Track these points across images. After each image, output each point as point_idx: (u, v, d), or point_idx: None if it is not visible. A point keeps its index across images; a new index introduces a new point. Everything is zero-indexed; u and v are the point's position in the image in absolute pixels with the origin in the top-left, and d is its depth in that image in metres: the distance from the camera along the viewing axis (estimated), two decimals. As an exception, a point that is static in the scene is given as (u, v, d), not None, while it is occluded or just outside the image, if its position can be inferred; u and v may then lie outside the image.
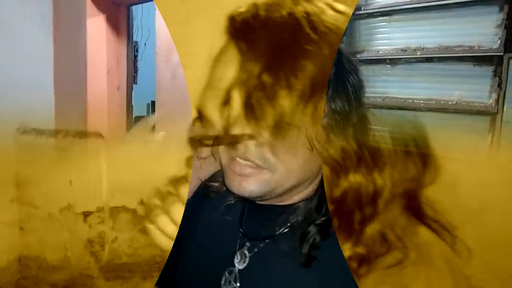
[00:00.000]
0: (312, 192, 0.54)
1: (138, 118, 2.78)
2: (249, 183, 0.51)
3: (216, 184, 0.62)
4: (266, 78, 0.48)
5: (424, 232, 0.51)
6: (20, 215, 2.29)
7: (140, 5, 2.49)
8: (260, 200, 0.56)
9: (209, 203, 0.65)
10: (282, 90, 0.48)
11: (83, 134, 2.19)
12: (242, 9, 0.52)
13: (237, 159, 0.51)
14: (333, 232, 0.51)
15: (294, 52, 0.50)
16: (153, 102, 3.64)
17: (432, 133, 1.41)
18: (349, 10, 0.54)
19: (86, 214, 2.20)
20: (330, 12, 0.52)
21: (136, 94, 2.58)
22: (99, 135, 2.20)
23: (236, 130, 0.50)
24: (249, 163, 0.50)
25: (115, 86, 2.42)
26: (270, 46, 0.50)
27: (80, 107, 2.26)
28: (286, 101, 0.48)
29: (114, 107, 2.42)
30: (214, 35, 0.55)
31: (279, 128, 0.49)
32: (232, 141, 0.50)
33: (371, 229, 0.50)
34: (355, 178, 0.50)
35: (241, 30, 0.52)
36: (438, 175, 0.53)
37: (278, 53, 0.50)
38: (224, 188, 0.60)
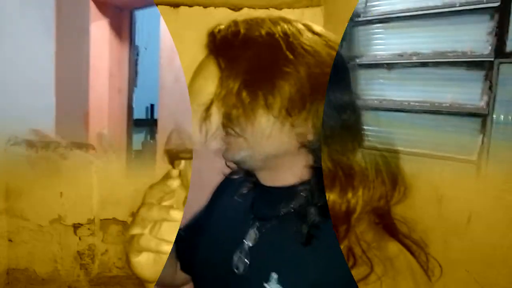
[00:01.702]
0: (307, 174, 0.58)
1: (138, 121, 2.82)
2: (231, 148, 0.57)
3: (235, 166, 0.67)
4: (244, 96, 0.52)
5: (392, 248, 0.53)
6: (9, 227, 2.30)
7: (142, 10, 2.54)
8: (251, 170, 0.62)
9: (228, 188, 0.72)
10: (260, 109, 0.53)
11: (74, 146, 2.22)
12: (222, 26, 0.56)
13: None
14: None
15: (272, 72, 0.52)
16: (152, 106, 3.67)
17: (428, 133, 1.47)
18: (326, 33, 0.56)
19: (76, 226, 2.22)
20: (308, 34, 0.55)
21: (136, 97, 2.61)
22: (91, 147, 2.23)
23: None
24: (229, 131, 0.56)
25: (117, 89, 2.46)
26: (249, 65, 0.52)
27: (81, 108, 2.30)
28: (263, 119, 0.53)
29: (115, 109, 2.45)
30: (201, 49, 0.58)
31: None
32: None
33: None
34: (329, 197, 0.53)
35: (221, 47, 0.55)
36: (407, 194, 0.55)
37: (257, 72, 0.52)
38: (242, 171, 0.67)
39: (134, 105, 2.59)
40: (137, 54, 2.73)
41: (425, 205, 1.26)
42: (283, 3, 1.72)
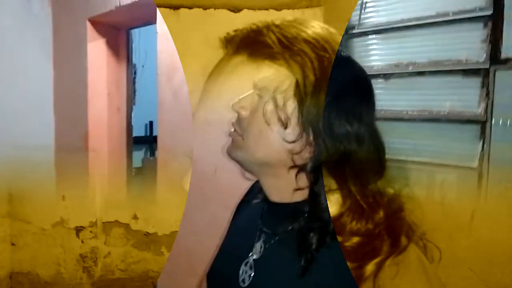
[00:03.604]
0: (307, 195, 0.58)
1: (137, 138, 2.83)
2: (232, 147, 0.61)
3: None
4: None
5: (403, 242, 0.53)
6: (11, 231, 2.29)
7: (138, 29, 2.56)
8: (252, 174, 0.64)
9: (249, 196, 0.75)
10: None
11: (76, 149, 2.22)
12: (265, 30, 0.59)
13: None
14: (332, 238, 0.55)
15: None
16: (151, 123, 3.68)
17: (427, 142, 1.47)
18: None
19: (78, 229, 2.21)
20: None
21: (135, 115, 2.62)
22: (93, 150, 2.23)
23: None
24: (233, 130, 0.60)
25: (115, 107, 2.47)
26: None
27: (80, 128, 2.30)
28: (259, 122, 0.57)
29: (114, 127, 2.46)
30: (207, 50, 0.61)
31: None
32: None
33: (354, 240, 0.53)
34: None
35: (284, 46, 0.58)
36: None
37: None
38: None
39: (133, 123, 2.60)
40: (135, 73, 2.76)
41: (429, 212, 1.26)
42: (283, 4, 1.72)
